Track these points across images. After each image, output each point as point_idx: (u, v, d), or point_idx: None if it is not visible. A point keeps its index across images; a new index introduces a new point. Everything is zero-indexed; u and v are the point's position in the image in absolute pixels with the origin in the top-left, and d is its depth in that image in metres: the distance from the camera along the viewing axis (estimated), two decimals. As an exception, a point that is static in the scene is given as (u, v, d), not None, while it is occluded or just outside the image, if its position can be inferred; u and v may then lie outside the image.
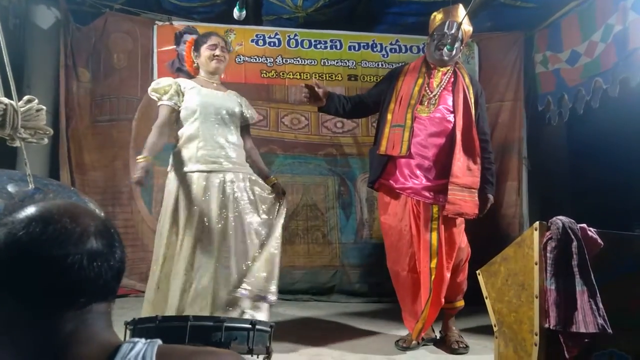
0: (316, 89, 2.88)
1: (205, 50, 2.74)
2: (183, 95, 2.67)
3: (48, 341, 0.69)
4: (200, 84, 2.74)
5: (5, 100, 1.55)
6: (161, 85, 2.67)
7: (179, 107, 2.67)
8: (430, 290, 2.70)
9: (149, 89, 2.71)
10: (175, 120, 2.71)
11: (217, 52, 2.74)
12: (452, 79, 2.94)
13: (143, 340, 0.74)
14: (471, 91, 2.92)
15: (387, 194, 2.95)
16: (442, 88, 2.90)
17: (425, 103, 2.88)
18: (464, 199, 2.76)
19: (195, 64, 2.79)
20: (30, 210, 0.72)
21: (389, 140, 2.87)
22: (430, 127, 2.83)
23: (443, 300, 2.78)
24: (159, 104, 2.69)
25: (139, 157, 2.56)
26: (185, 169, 2.62)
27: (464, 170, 2.79)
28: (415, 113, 2.85)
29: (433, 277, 2.71)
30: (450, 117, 2.86)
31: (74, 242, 0.70)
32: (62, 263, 0.69)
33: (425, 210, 2.78)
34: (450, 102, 2.88)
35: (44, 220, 0.71)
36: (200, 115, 2.65)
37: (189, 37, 2.86)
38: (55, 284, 0.69)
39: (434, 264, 2.72)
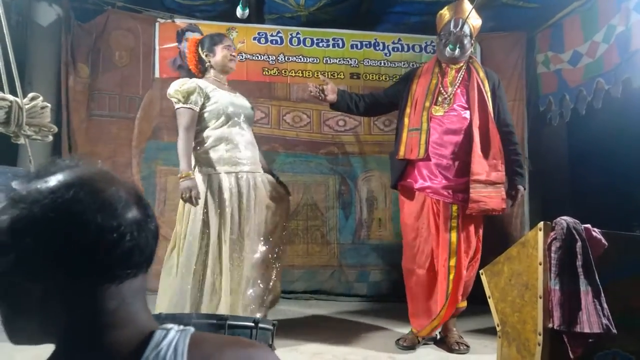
0: (323, 85, 2.91)
1: (222, 50, 2.75)
2: (205, 98, 2.64)
3: (89, 321, 0.66)
4: (215, 86, 2.72)
5: (10, 97, 1.55)
6: (184, 88, 2.59)
7: (199, 109, 2.63)
8: (448, 288, 2.70)
9: (170, 91, 2.62)
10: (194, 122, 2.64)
11: (233, 52, 2.80)
12: (466, 75, 2.92)
13: (176, 327, 0.71)
14: (487, 85, 2.89)
15: (406, 193, 2.96)
16: (456, 86, 2.89)
17: (440, 102, 2.87)
18: (489, 195, 2.73)
19: (208, 63, 2.76)
20: (68, 176, 0.68)
21: (407, 145, 2.87)
22: (446, 125, 2.82)
23: (460, 298, 2.77)
24: (178, 106, 2.59)
25: (181, 174, 2.50)
26: (213, 171, 2.62)
27: (485, 166, 2.76)
28: (431, 114, 2.85)
29: (452, 275, 2.71)
30: (466, 114, 2.83)
31: (122, 210, 0.68)
32: (117, 231, 0.66)
33: (445, 209, 2.78)
34: (464, 99, 2.86)
35: (89, 186, 0.67)
36: (227, 118, 2.66)
37: (191, 35, 2.83)
38: (111, 254, 0.66)
39: (453, 262, 2.72)
